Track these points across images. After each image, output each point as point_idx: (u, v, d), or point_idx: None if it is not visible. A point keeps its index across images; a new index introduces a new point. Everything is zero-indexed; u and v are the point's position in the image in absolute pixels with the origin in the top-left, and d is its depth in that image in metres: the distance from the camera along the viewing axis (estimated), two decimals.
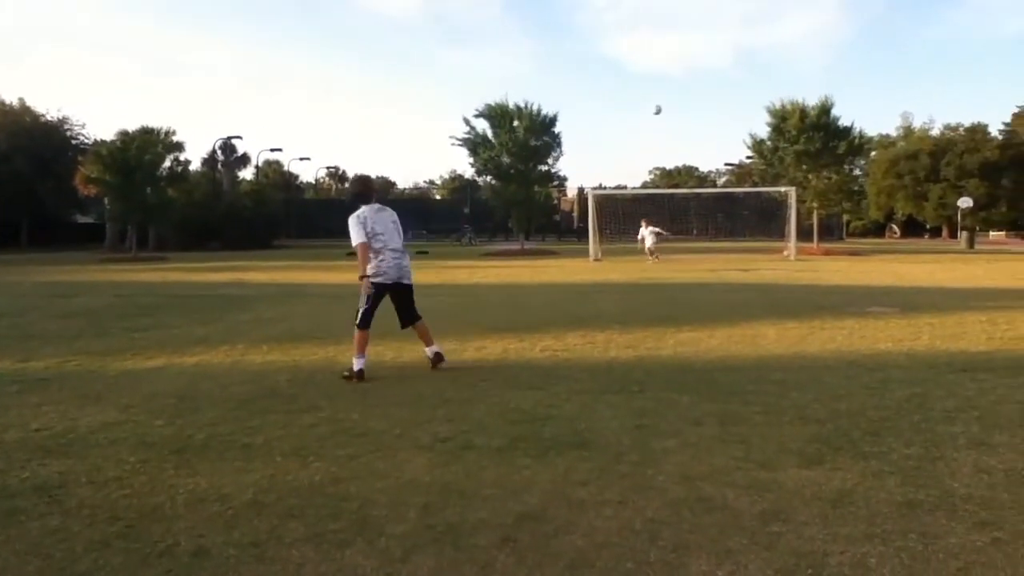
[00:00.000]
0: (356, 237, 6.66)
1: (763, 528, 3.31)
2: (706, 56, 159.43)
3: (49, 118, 48.52)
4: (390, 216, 6.92)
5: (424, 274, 19.63)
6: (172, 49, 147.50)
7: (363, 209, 6.75)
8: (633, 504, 3.61)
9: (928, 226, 65.00)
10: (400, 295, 6.92)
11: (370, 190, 7.08)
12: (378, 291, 6.74)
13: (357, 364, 6.56)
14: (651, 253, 26.75)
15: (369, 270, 6.72)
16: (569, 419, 5.16)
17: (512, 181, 34.82)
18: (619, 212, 38.48)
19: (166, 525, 3.43)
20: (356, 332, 6.66)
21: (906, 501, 3.60)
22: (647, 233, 27.27)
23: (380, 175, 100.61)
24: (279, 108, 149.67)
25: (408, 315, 7.00)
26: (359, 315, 6.69)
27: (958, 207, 51.74)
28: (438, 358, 6.96)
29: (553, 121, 34.95)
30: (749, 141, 37.33)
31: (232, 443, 4.71)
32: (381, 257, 6.72)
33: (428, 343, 7.01)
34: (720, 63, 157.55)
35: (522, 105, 34.44)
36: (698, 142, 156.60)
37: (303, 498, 3.75)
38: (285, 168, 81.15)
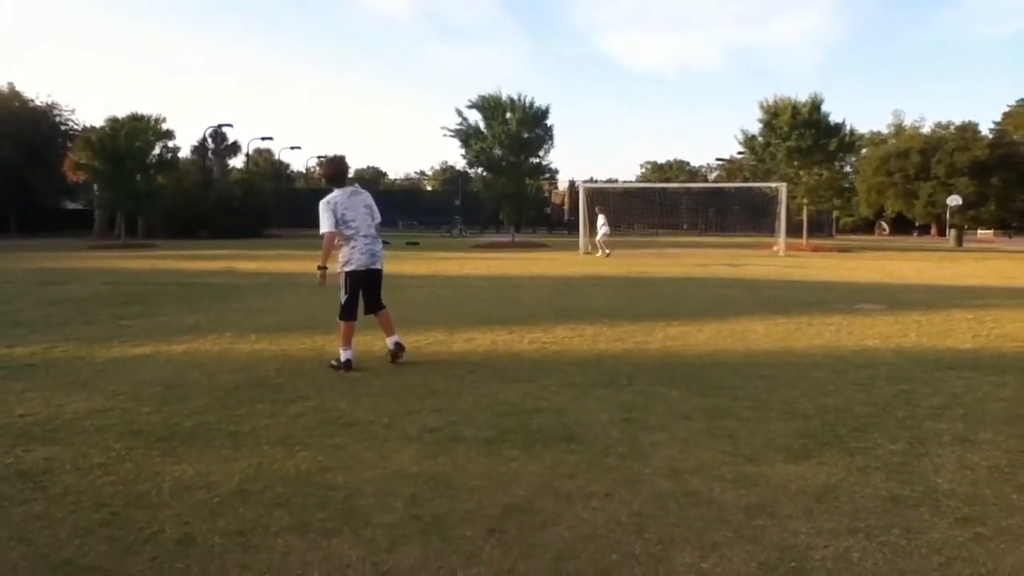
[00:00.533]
0: (324, 225, 6.57)
1: (748, 522, 3.33)
2: (699, 55, 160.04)
3: (38, 103, 48.07)
4: (363, 200, 6.78)
5: (414, 265, 19.64)
6: (166, 45, 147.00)
7: (335, 193, 6.64)
8: (620, 497, 3.62)
9: (917, 224, 65.30)
10: (370, 280, 6.82)
11: (343, 173, 6.90)
12: (353, 280, 6.68)
13: (344, 355, 6.54)
14: (602, 247, 25.54)
15: (340, 259, 6.67)
16: (557, 412, 5.17)
17: (503, 173, 34.74)
18: (610, 205, 38.47)
19: (151, 512, 3.42)
20: (341, 324, 6.63)
21: (890, 496, 3.62)
22: (600, 224, 26.08)
23: (371, 165, 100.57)
24: (271, 99, 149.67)
25: (374, 302, 6.89)
26: (341, 307, 6.67)
27: (947, 205, 51.99)
28: (399, 348, 6.82)
29: (545, 114, 34.89)
30: (741, 137, 37.45)
31: (219, 431, 4.70)
32: (353, 244, 6.64)
33: (389, 333, 6.87)
34: (713, 62, 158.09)
35: (515, 97, 34.40)
36: (690, 137, 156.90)
37: (290, 487, 3.75)
38: (276, 157, 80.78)
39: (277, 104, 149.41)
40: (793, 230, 33.19)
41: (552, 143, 35.73)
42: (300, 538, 3.17)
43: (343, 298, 6.68)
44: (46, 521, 3.34)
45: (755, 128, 36.57)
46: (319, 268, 6.72)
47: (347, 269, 6.67)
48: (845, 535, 3.19)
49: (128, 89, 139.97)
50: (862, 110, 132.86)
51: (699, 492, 3.68)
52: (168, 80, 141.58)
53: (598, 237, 26.13)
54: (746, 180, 45.05)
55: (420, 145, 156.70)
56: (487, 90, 35.98)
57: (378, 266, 6.84)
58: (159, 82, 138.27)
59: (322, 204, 6.60)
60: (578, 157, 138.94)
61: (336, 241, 6.64)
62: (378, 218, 6.91)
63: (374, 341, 7.40)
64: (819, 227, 48.27)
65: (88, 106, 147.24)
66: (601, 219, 26.40)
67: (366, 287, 6.81)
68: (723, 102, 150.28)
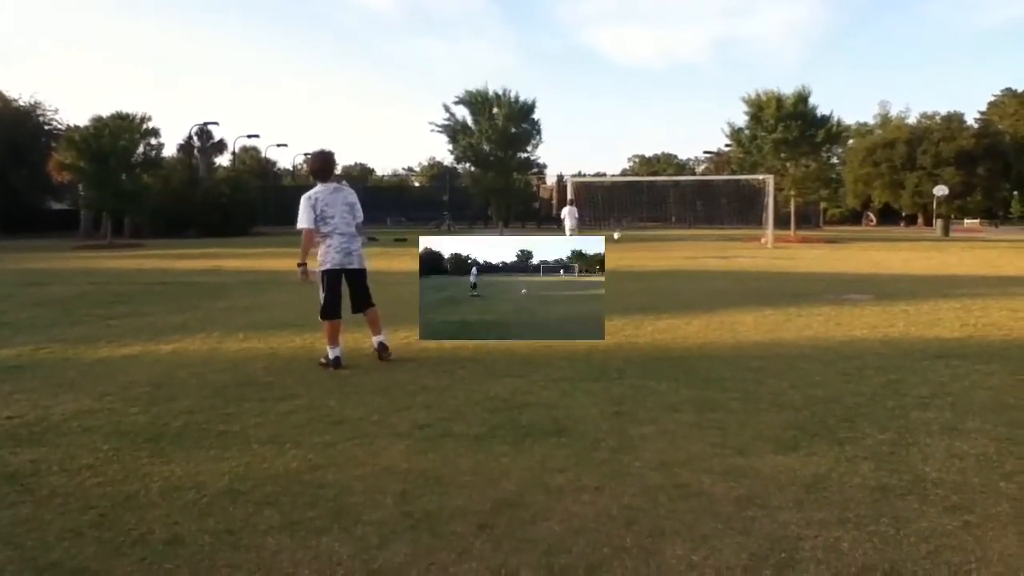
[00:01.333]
0: (301, 221, 6.52)
1: (739, 513, 3.33)
2: (686, 48, 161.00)
3: (21, 103, 47.66)
4: (344, 197, 6.72)
5: (402, 261, 19.56)
6: (153, 43, 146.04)
7: (317, 189, 6.59)
8: (610, 490, 3.62)
9: (904, 214, 65.69)
10: (349, 280, 6.76)
11: (330, 168, 6.84)
12: (329, 278, 6.62)
13: (332, 352, 6.50)
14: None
15: (318, 258, 6.63)
16: (547, 406, 5.16)
17: (491, 168, 34.78)
18: (598, 199, 38.52)
19: (140, 513, 3.40)
20: (324, 323, 6.59)
21: (879, 486, 3.64)
22: (567, 213, 25.51)
23: (358, 162, 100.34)
24: (257, 96, 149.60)
25: (359, 301, 6.83)
26: (320, 307, 6.63)
27: (934, 195, 52.26)
28: (383, 348, 6.76)
29: (532, 108, 34.96)
30: (727, 130, 37.50)
31: (208, 431, 4.67)
32: (328, 242, 6.58)
33: (376, 332, 6.83)
34: (700, 56, 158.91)
35: (501, 92, 34.39)
36: (677, 130, 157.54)
37: (279, 486, 3.73)
38: (262, 155, 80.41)
39: (263, 102, 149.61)
40: (781, 222, 33.30)
41: (540, 138, 35.96)
42: (290, 536, 3.16)
43: (321, 297, 6.64)
44: (34, 523, 3.31)
45: (741, 121, 36.67)
46: (299, 265, 6.67)
47: (323, 268, 6.63)
48: (835, 525, 3.20)
49: (113, 87, 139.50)
50: (848, 101, 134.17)
51: (689, 484, 3.68)
52: (153, 77, 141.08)
53: (571, 228, 25.53)
54: (733, 172, 45.13)
55: (408, 141, 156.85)
56: (474, 85, 35.95)
57: (354, 265, 6.74)
58: (144, 79, 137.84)
59: (303, 199, 6.56)
60: (566, 152, 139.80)
61: (315, 239, 6.61)
62: (360, 217, 6.83)
63: (363, 338, 7.36)
64: (807, 218, 48.44)
65: (75, 104, 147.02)
66: (565, 210, 25.97)
67: (351, 286, 6.77)
68: (710, 95, 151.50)
